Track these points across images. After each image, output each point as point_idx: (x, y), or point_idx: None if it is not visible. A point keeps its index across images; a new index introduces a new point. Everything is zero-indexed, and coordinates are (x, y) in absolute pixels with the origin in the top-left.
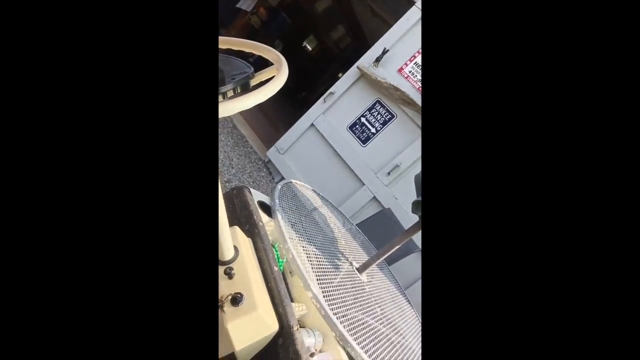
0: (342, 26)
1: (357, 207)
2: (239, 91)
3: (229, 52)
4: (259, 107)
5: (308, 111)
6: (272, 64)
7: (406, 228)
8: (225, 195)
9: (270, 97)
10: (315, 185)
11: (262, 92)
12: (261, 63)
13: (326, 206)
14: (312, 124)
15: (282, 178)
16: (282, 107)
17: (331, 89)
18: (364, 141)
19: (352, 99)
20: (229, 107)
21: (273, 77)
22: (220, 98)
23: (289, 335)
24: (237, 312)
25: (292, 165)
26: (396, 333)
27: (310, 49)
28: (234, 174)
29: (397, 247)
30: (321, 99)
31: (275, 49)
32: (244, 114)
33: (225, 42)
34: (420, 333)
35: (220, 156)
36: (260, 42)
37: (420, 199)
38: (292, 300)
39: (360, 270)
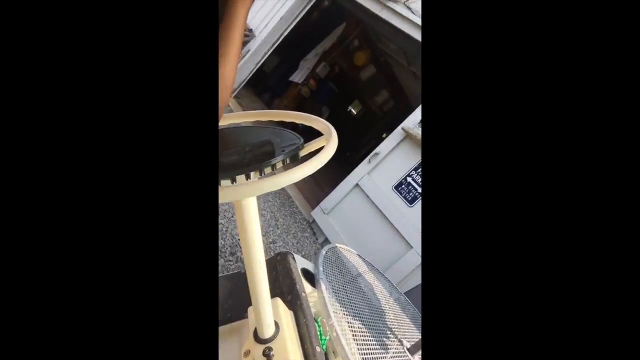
0: (385, 90)
1: (405, 272)
2: (288, 162)
3: (282, 123)
4: None
5: (353, 171)
6: (321, 134)
7: None
8: (268, 262)
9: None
10: (359, 248)
11: (311, 164)
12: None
13: (372, 272)
14: (357, 184)
15: (326, 239)
16: (327, 166)
17: (376, 150)
18: (411, 201)
19: (397, 159)
20: (278, 181)
21: (322, 147)
22: (269, 170)
23: None
24: None
25: (337, 225)
26: None
27: (355, 112)
28: (279, 234)
29: None
30: (366, 159)
31: (323, 114)
32: None
33: (278, 115)
34: None
35: (267, 216)
36: (309, 109)
37: None
38: None
39: (412, 351)
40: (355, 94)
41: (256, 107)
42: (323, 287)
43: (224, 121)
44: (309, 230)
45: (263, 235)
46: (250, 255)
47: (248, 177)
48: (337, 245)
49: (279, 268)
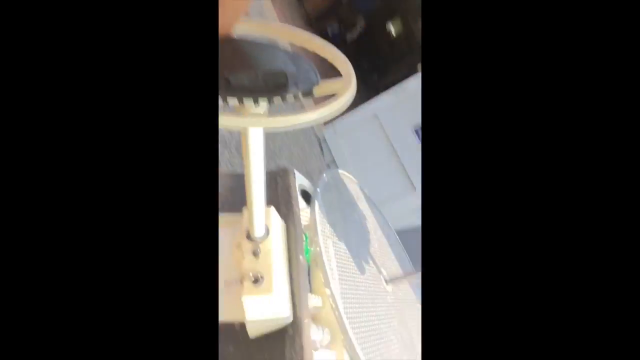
0: None
1: (402, 212)
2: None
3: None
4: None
5: (376, 99)
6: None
7: None
8: (269, 173)
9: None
10: (363, 177)
11: (316, 112)
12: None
13: (368, 204)
14: (376, 116)
15: (333, 160)
16: None
17: (407, 83)
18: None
19: None
20: (279, 120)
21: (334, 95)
22: (279, 100)
23: (299, 328)
24: (254, 289)
25: (346, 149)
26: (408, 353)
27: (393, 33)
28: (286, 143)
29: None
30: (393, 89)
31: (356, 25)
32: None
33: (292, 35)
34: None
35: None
36: (343, 14)
37: None
38: (310, 291)
39: (388, 281)
40: (399, 10)
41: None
42: (316, 207)
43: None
44: (317, 147)
45: (270, 140)
46: (250, 180)
47: (256, 101)
48: (340, 171)
49: (278, 181)
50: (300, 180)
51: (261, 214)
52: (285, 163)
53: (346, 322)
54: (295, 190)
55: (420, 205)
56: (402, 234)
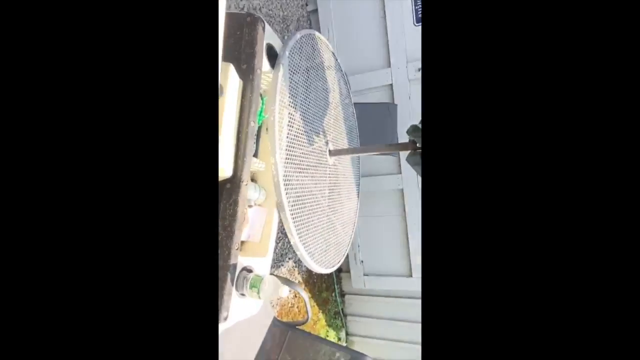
0: None
1: (368, 84)
2: None
3: None
4: None
5: None
6: None
7: (398, 134)
8: (235, 17)
9: None
10: (342, 40)
11: None
12: None
13: (336, 73)
14: None
15: (315, 10)
16: None
17: None
18: (419, 20)
19: None
20: None
21: None
22: None
23: (236, 185)
24: None
25: (333, 4)
26: (329, 217)
27: None
28: None
29: (375, 153)
30: None
31: None
32: None
33: None
34: (349, 225)
35: None
36: None
37: (420, 125)
38: (256, 154)
39: (332, 153)
40: None
41: None
42: (280, 73)
43: None
44: None
45: None
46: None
47: None
48: (315, 33)
49: (245, 31)
50: (269, 36)
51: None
52: (260, 2)
53: (282, 188)
54: (262, 47)
55: (388, 83)
56: (360, 106)
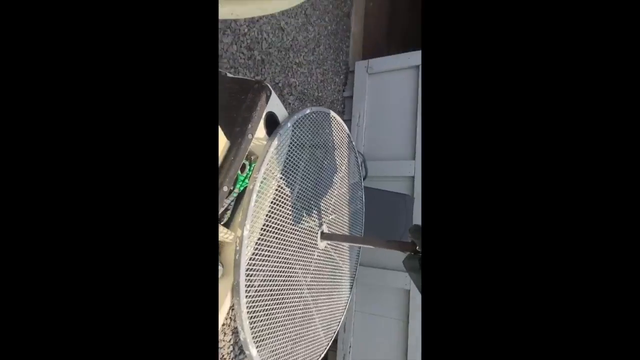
0: None
1: (389, 172)
2: None
3: None
4: (389, 12)
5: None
6: None
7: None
8: (244, 82)
9: (412, 10)
10: (371, 126)
11: None
12: None
13: (349, 155)
14: (418, 67)
15: (351, 96)
16: (416, 27)
17: None
18: None
19: None
20: None
21: None
22: None
23: None
24: None
25: (370, 90)
26: (309, 316)
27: None
28: (311, 60)
29: (374, 247)
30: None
31: None
32: (368, 10)
33: None
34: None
35: (312, 34)
36: None
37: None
38: (228, 224)
39: (324, 236)
40: None
41: None
42: (275, 142)
43: None
44: (342, 77)
45: (295, 50)
46: None
47: None
48: (330, 112)
49: (249, 95)
50: (273, 105)
51: None
52: (297, 80)
53: (243, 267)
54: (260, 113)
55: (410, 175)
56: (373, 193)
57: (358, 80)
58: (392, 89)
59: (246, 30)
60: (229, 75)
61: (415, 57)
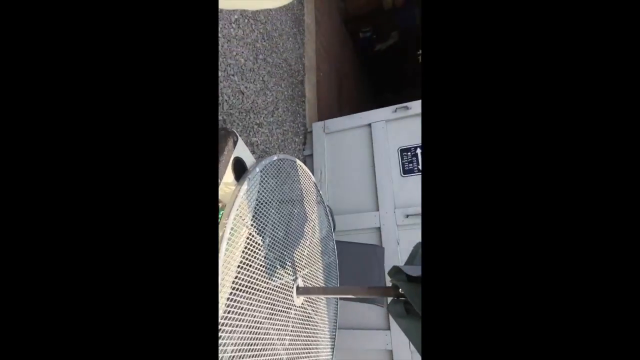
0: None
1: (355, 225)
2: None
3: None
4: (336, 80)
5: (374, 110)
6: None
7: (387, 280)
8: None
9: (355, 79)
10: (334, 181)
11: None
12: None
13: (317, 206)
14: (370, 125)
15: (311, 155)
16: (360, 92)
17: (409, 104)
18: (406, 172)
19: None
20: None
21: None
22: None
23: None
24: None
25: (328, 149)
26: None
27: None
28: (270, 121)
29: (354, 296)
30: (393, 107)
31: (390, 38)
32: (319, 79)
33: None
34: None
35: (270, 98)
36: (380, 24)
37: (402, 267)
38: None
39: (300, 292)
40: None
41: None
42: (244, 187)
43: None
44: (301, 137)
45: (255, 112)
46: None
47: None
48: (296, 161)
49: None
50: (240, 150)
51: None
52: (258, 139)
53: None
54: (227, 158)
55: (376, 226)
56: (344, 245)
57: (316, 139)
58: (349, 145)
59: None
60: None
61: (366, 117)
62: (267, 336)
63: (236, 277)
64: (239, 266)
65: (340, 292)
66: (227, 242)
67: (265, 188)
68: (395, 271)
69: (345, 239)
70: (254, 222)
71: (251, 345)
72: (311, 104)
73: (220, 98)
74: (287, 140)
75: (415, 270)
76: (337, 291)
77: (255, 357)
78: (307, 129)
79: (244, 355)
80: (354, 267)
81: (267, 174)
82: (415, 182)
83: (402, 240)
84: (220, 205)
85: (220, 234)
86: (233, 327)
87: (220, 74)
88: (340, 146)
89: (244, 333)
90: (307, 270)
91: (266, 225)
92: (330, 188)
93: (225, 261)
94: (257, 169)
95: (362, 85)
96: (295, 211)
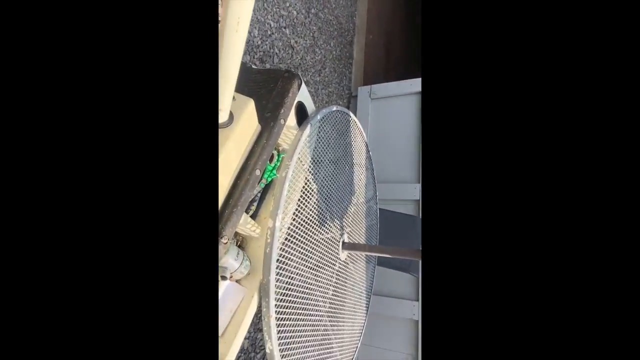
0: None
1: (394, 195)
2: None
3: None
4: (385, 44)
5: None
6: None
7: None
8: (273, 72)
9: (405, 44)
10: (375, 146)
11: None
12: None
13: (367, 168)
14: (419, 92)
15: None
16: (410, 58)
17: None
18: None
19: None
20: None
21: None
22: None
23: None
24: None
25: (372, 116)
26: (325, 329)
27: None
28: (317, 81)
29: (393, 256)
30: None
31: None
32: (368, 42)
33: None
34: (348, 346)
35: (318, 56)
36: None
37: None
38: (254, 215)
39: (345, 247)
40: None
41: None
42: (306, 132)
43: None
44: (345, 100)
45: (303, 69)
46: (224, 48)
47: None
48: (351, 115)
49: (279, 84)
50: (303, 95)
51: (228, 92)
52: (307, 78)
53: (274, 264)
54: (292, 100)
55: (416, 198)
56: (384, 213)
57: (361, 104)
58: (395, 114)
59: (259, 42)
60: (253, 67)
61: (416, 85)
62: (317, 282)
63: (293, 220)
64: (295, 210)
65: (384, 251)
66: (289, 183)
67: (322, 137)
68: None
69: (383, 207)
70: (311, 168)
71: (303, 286)
72: (358, 67)
73: (271, 51)
74: (332, 103)
75: None
76: (381, 250)
77: (305, 299)
78: (351, 92)
79: (295, 294)
80: (392, 235)
81: (326, 123)
82: None
83: None
84: (280, 149)
85: (282, 174)
86: (288, 262)
87: (272, 24)
88: (385, 113)
89: (297, 270)
90: (351, 227)
91: (321, 176)
92: (372, 155)
93: (285, 202)
94: (319, 116)
95: (412, 51)
96: (347, 167)
